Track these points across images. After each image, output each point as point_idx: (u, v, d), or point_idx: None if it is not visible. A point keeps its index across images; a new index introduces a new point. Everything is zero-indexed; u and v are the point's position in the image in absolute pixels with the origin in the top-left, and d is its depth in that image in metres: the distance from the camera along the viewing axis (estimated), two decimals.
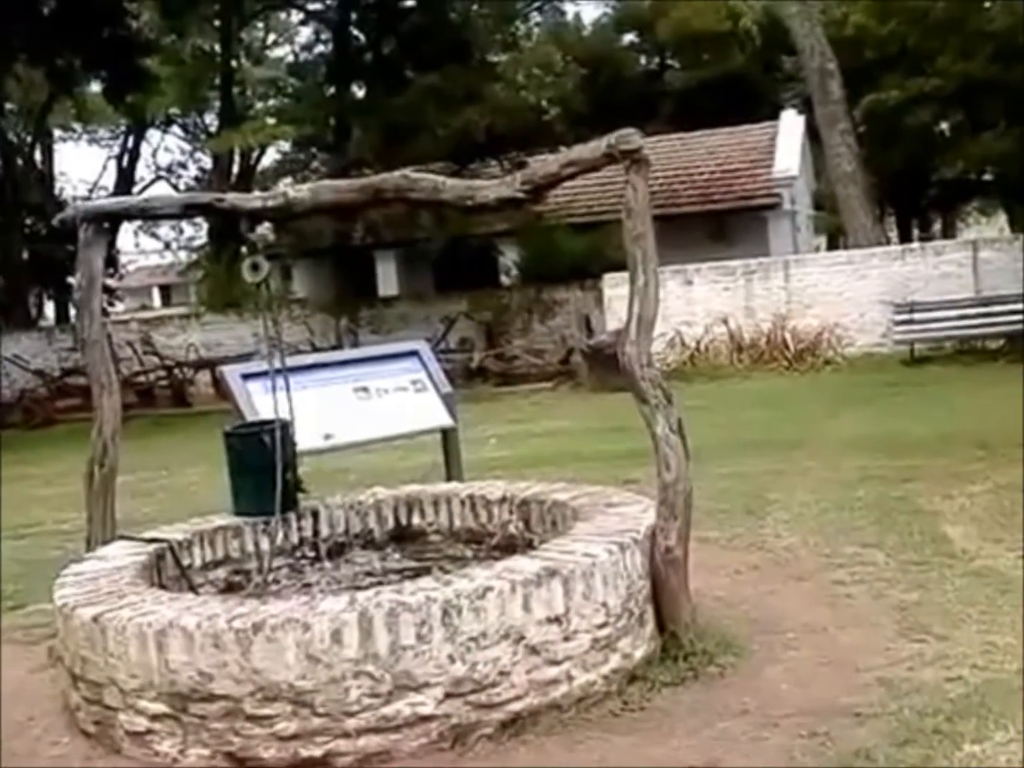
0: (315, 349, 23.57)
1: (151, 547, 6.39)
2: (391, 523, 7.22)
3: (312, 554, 7.05)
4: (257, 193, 6.60)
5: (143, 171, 42.22)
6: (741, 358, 20.24)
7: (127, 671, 5.06)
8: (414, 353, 8.83)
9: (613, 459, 12.03)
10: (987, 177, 31.32)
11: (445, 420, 8.52)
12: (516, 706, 5.00)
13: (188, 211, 6.76)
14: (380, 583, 7.06)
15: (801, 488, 9.59)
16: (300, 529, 7.03)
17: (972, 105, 24.14)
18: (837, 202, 25.06)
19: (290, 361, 7.31)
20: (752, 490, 9.45)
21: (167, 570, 6.40)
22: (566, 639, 5.16)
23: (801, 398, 16.18)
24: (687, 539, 5.79)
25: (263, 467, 6.60)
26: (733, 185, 27.64)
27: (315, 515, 7.07)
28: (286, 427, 6.79)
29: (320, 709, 4.80)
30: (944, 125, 26.85)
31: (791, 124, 29.07)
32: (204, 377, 25.13)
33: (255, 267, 6.55)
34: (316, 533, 7.06)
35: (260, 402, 7.51)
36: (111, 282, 34.16)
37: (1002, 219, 47.32)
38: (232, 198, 6.61)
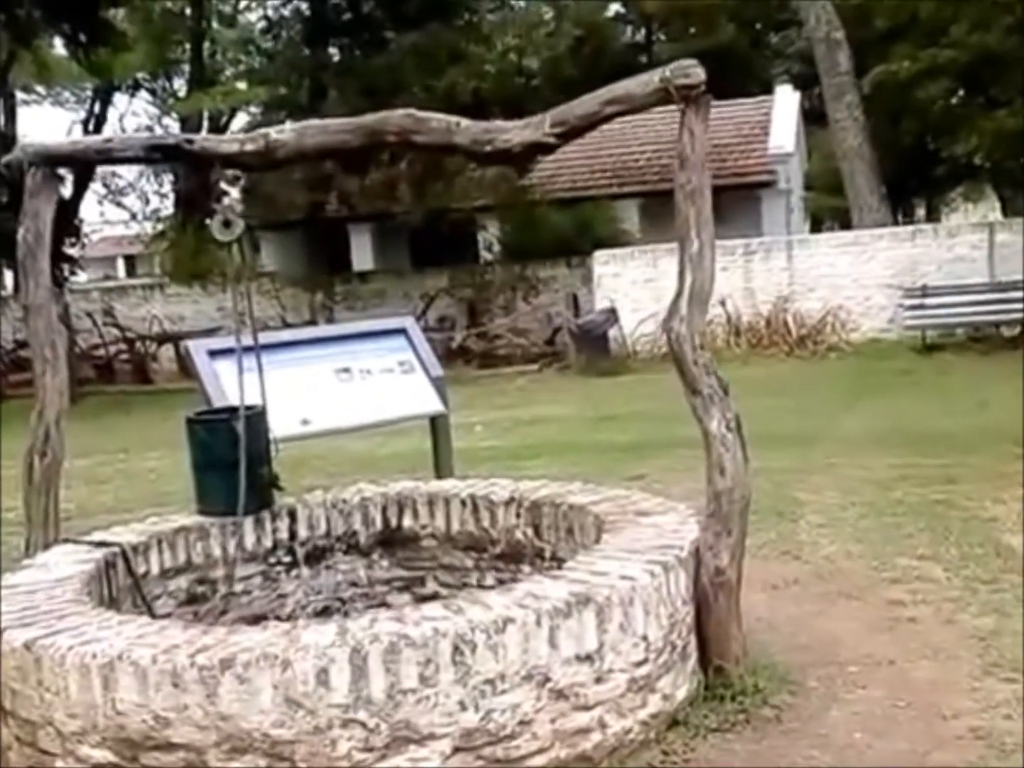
0: (286, 325, 22.65)
1: (99, 553, 5.43)
2: (379, 525, 6.28)
3: (288, 559, 6.11)
4: (232, 135, 5.58)
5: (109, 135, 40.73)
6: (739, 342, 19.29)
7: (66, 710, 4.13)
8: (401, 331, 7.87)
9: (611, 451, 11.16)
10: (977, 161, 30.40)
11: (436, 406, 7.58)
12: (538, 760, 4.12)
13: (152, 154, 5.77)
14: (366, 595, 6.21)
15: (831, 488, 8.71)
16: (275, 531, 6.08)
17: (987, 79, 23.12)
18: (842, 179, 24.08)
19: (262, 337, 6.35)
20: (776, 489, 8.51)
21: (118, 580, 5.45)
22: (598, 680, 4.26)
23: (810, 386, 15.28)
24: (741, 558, 4.91)
25: (233, 460, 5.67)
26: (726, 161, 26.57)
27: (292, 515, 6.13)
28: (260, 414, 5.88)
29: (300, 764, 3.90)
30: (956, 100, 25.68)
31: (786, 100, 28.16)
32: (168, 352, 24.08)
33: (227, 224, 5.60)
34: (293, 535, 6.12)
35: (229, 383, 6.57)
36: (74, 251, 32.82)
37: (984, 207, 46.63)
38: (202, 140, 5.64)
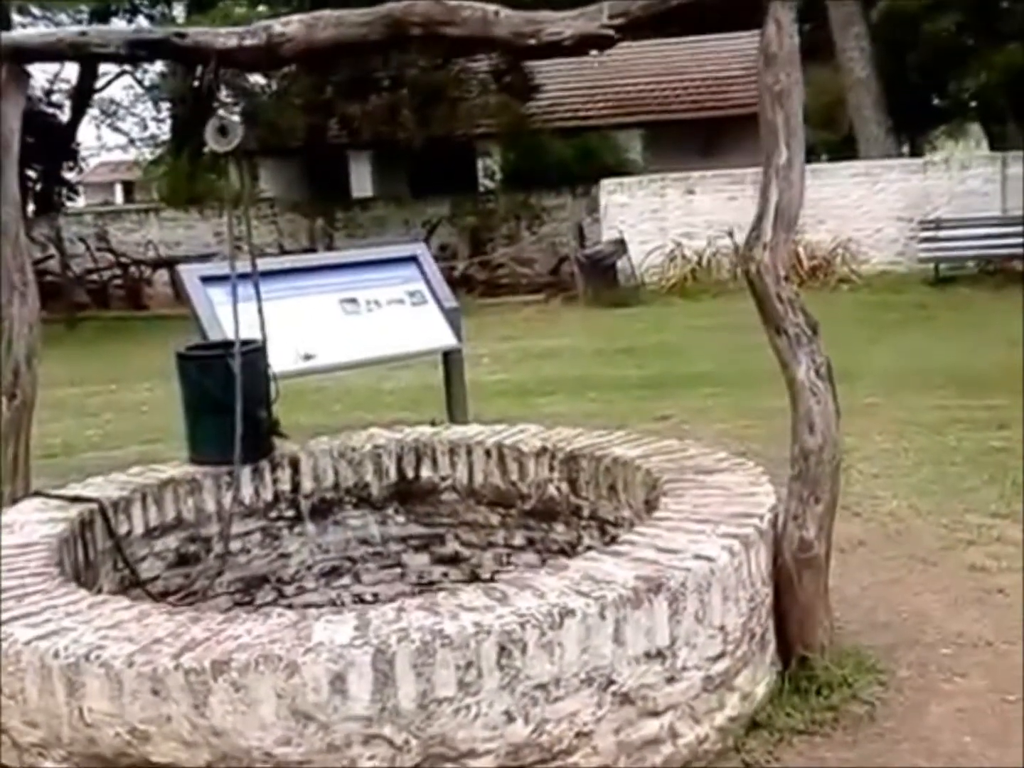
0: (284, 251, 21.88)
1: (74, 510, 4.68)
2: (393, 476, 5.53)
3: (291, 514, 5.38)
4: (231, 28, 4.77)
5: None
6: None
7: (23, 717, 3.40)
8: (411, 259, 7.18)
9: (631, 388, 10.45)
10: (966, 98, 29.71)
11: (449, 340, 6.95)
12: None
13: (136, 50, 4.97)
14: (379, 554, 5.49)
15: (877, 433, 7.96)
16: (276, 482, 5.35)
17: (997, 13, 22.22)
18: (835, 112, 23.31)
19: (261, 264, 5.61)
20: None
21: (96, 541, 4.71)
22: (670, 680, 3.54)
23: (827, 319, 14.29)
24: (831, 530, 4.16)
25: (228, 402, 4.92)
26: (727, 93, 25.77)
27: (295, 464, 5.39)
28: (259, 350, 5.13)
29: None
30: (950, 33, 24.84)
31: None
32: (163, 277, 23.38)
33: (223, 131, 4.82)
34: (296, 487, 5.38)
35: (225, 314, 5.83)
36: (71, 176, 32.02)
37: (965, 145, 45.63)
38: (196, 34, 4.82)
